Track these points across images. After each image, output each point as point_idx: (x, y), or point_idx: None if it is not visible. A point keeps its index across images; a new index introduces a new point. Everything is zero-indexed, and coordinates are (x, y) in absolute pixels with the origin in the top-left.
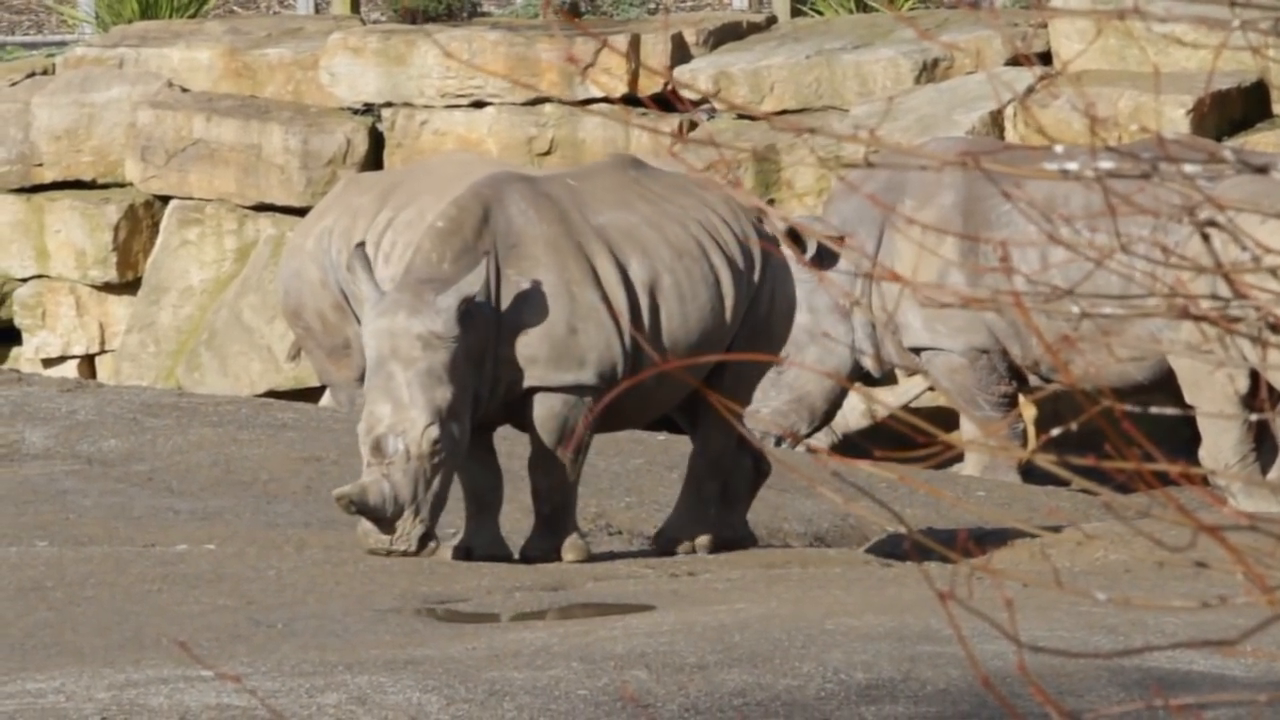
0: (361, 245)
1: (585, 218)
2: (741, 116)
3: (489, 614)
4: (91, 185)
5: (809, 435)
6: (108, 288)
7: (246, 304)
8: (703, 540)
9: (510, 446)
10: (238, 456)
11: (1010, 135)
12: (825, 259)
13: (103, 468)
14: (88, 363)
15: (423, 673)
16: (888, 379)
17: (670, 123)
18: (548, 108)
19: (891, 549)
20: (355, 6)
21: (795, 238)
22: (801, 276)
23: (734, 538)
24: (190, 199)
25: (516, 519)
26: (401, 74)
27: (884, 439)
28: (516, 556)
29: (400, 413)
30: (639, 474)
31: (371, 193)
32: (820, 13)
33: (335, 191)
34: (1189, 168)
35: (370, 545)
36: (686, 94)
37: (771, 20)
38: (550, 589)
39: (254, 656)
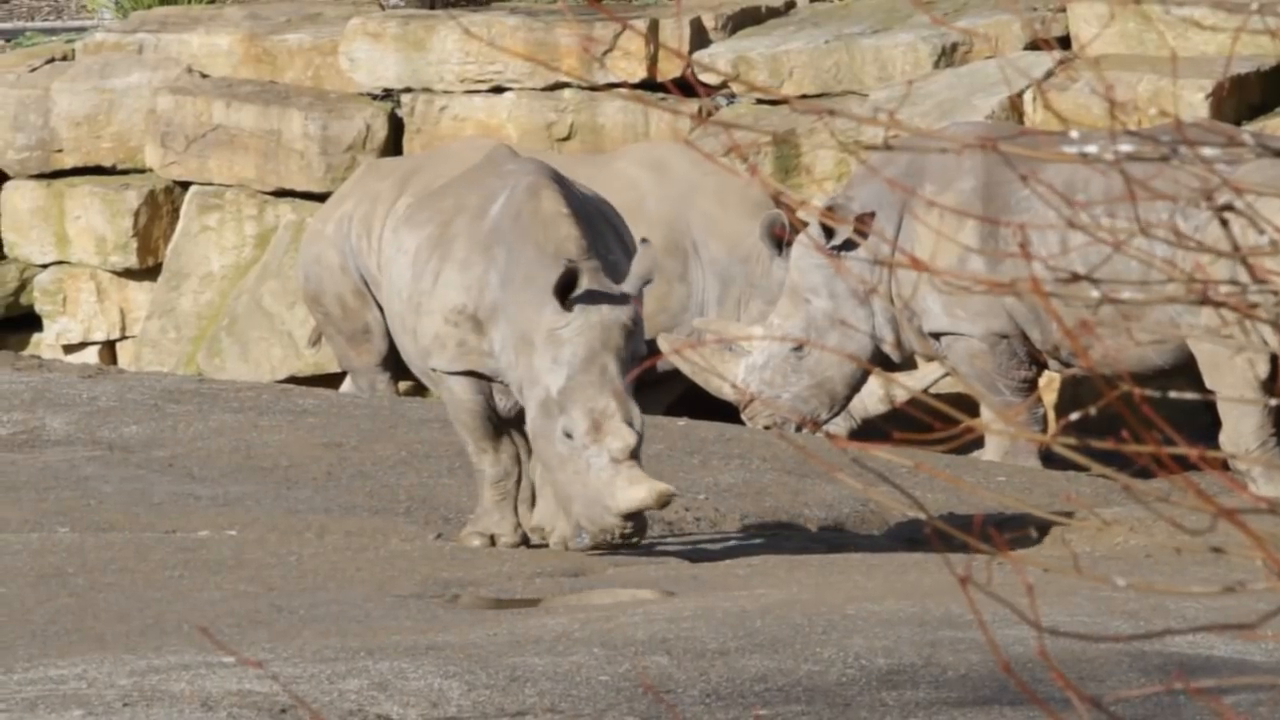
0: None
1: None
2: (761, 101)
3: (510, 599)
4: (111, 171)
5: (829, 421)
6: (128, 274)
7: (267, 290)
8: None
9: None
10: (258, 442)
11: (1029, 120)
12: (847, 243)
13: (123, 453)
14: (108, 349)
15: (444, 658)
16: (907, 364)
17: (689, 107)
18: (567, 93)
19: (912, 534)
20: None
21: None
22: (821, 261)
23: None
24: (210, 185)
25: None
26: (421, 59)
27: (902, 424)
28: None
29: (624, 405)
30: (659, 460)
31: (391, 178)
32: None
33: (355, 177)
34: (1208, 152)
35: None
36: (706, 78)
37: (790, 5)
38: (571, 574)
39: (275, 642)
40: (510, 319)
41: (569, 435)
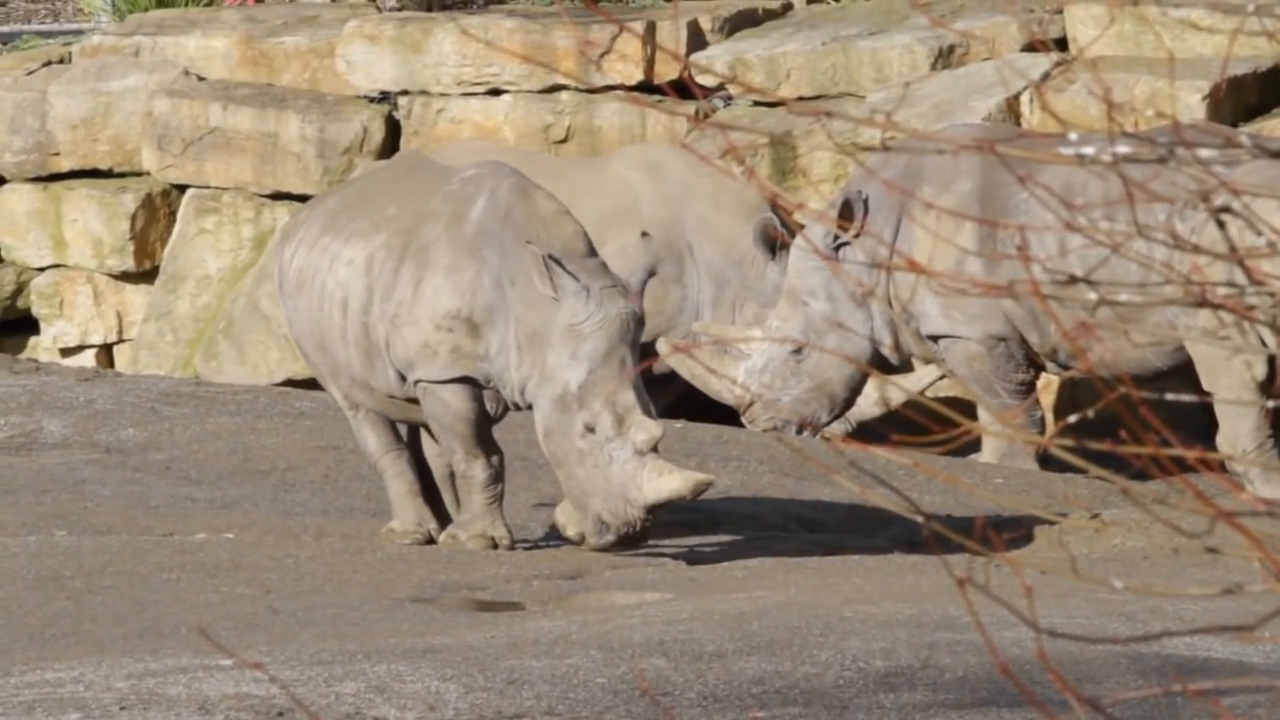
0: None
1: None
2: (758, 103)
3: (507, 602)
4: (108, 174)
5: (828, 424)
6: (125, 277)
7: (264, 292)
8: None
9: (527, 435)
10: (255, 445)
11: (1026, 122)
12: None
13: (121, 457)
14: (105, 352)
15: (441, 661)
16: (906, 367)
17: (686, 109)
18: (564, 95)
19: (909, 536)
20: None
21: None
22: (819, 264)
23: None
24: (207, 188)
25: (526, 505)
26: (418, 62)
27: (900, 427)
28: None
29: (641, 398)
30: None
31: None
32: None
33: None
34: (1205, 153)
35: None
36: (703, 80)
37: (788, 7)
38: (569, 577)
39: (272, 645)
40: (516, 319)
41: (591, 430)
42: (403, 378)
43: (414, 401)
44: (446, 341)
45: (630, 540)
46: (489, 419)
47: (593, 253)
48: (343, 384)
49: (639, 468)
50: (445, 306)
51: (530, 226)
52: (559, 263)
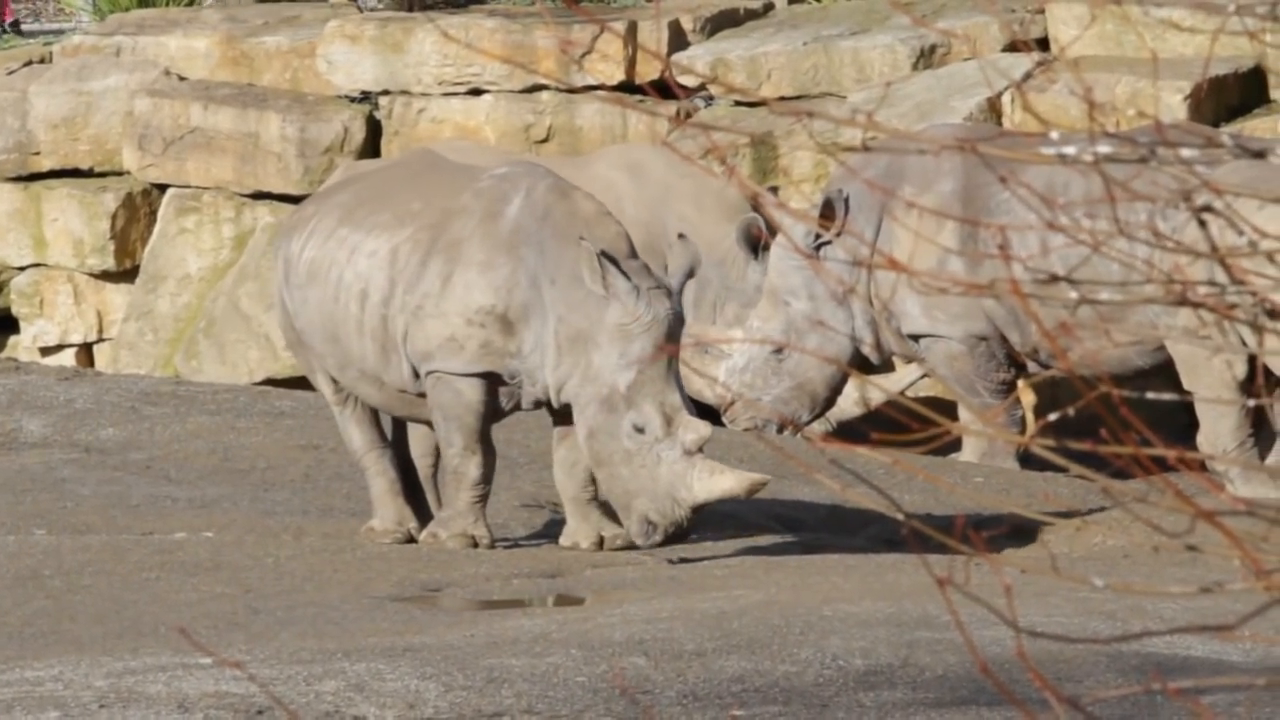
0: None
1: None
2: (739, 103)
3: (487, 600)
4: (89, 174)
5: (810, 423)
6: (105, 276)
7: (244, 292)
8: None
9: (509, 434)
10: (235, 444)
11: (1008, 121)
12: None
13: (100, 456)
14: (85, 351)
15: (421, 660)
16: (887, 366)
17: (668, 109)
18: (545, 95)
19: (889, 535)
20: None
21: (828, 213)
22: (800, 263)
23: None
24: (188, 187)
25: (508, 505)
26: (399, 61)
27: (881, 426)
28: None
29: (683, 399)
30: None
31: None
32: (818, 0)
33: (333, 180)
34: (1186, 153)
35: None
36: (684, 80)
37: (769, 7)
38: (548, 576)
39: (252, 644)
40: (558, 318)
41: (640, 430)
42: (416, 374)
43: (422, 397)
44: (477, 336)
45: (674, 539)
46: (495, 415)
47: (634, 254)
48: (348, 378)
49: (688, 467)
50: (479, 302)
51: (572, 226)
52: (613, 261)
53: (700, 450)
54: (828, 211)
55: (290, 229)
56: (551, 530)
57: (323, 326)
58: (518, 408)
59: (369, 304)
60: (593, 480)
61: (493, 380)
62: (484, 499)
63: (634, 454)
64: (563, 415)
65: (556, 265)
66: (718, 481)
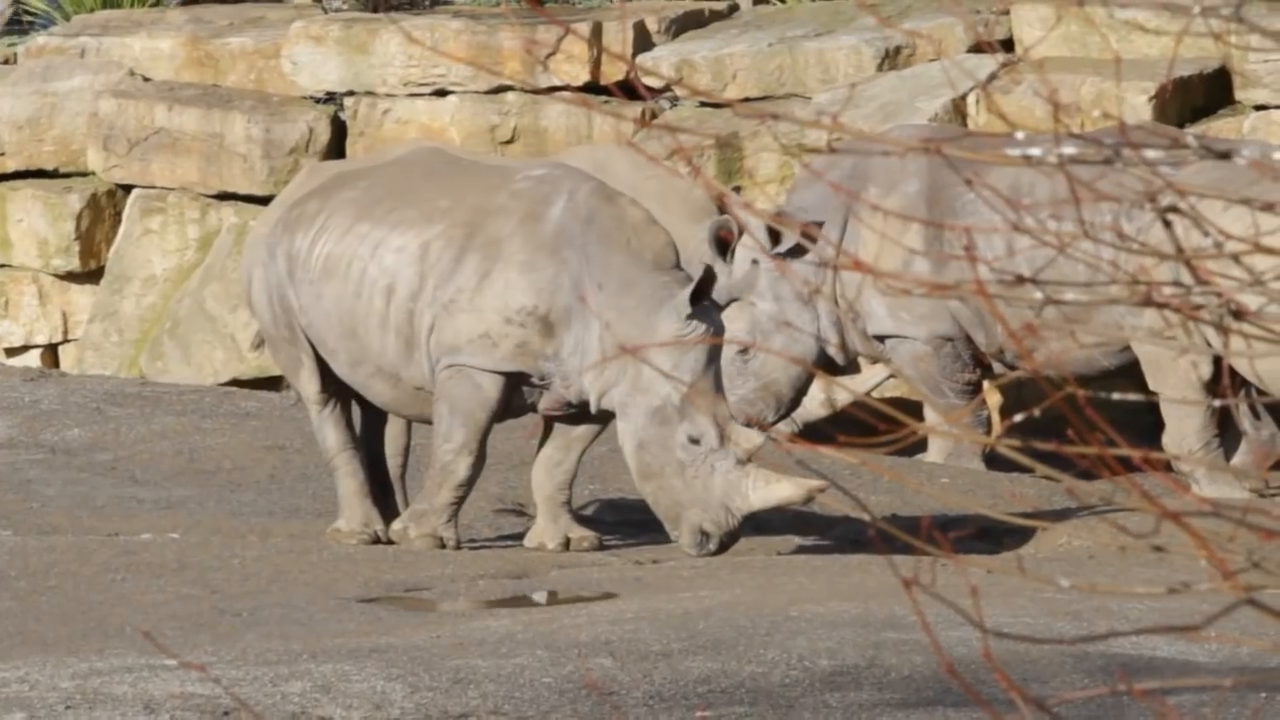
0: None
1: None
2: (704, 104)
3: (453, 601)
4: (54, 174)
5: (776, 423)
6: (70, 277)
7: (209, 293)
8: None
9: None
10: (201, 445)
11: (973, 122)
12: (796, 250)
13: (66, 457)
14: (51, 352)
15: (387, 661)
16: (852, 367)
17: (633, 110)
18: (510, 96)
19: (855, 535)
20: None
21: (772, 229)
22: (767, 264)
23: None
24: (153, 188)
25: (480, 506)
26: (364, 62)
27: (847, 427)
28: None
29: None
30: (602, 461)
31: None
32: (783, 0)
33: (298, 180)
34: (1151, 154)
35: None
36: (649, 81)
37: (734, 8)
38: (514, 577)
39: (218, 645)
40: (605, 325)
41: (695, 441)
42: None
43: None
44: (514, 336)
45: (724, 548)
46: (502, 416)
47: (679, 264)
48: (360, 375)
49: (743, 476)
50: (520, 302)
51: (619, 233)
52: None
53: (751, 459)
54: (783, 221)
55: (288, 226)
56: (518, 530)
57: (340, 321)
58: (532, 410)
59: (395, 299)
60: (569, 484)
61: (516, 380)
62: (461, 503)
63: (687, 465)
64: (562, 417)
65: (604, 271)
66: (775, 490)
